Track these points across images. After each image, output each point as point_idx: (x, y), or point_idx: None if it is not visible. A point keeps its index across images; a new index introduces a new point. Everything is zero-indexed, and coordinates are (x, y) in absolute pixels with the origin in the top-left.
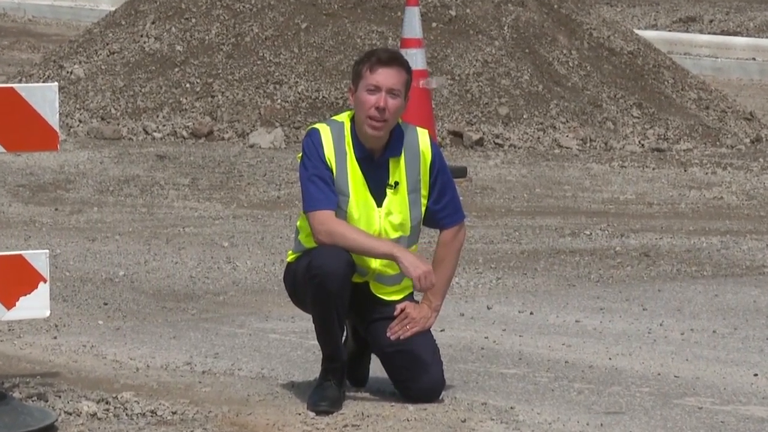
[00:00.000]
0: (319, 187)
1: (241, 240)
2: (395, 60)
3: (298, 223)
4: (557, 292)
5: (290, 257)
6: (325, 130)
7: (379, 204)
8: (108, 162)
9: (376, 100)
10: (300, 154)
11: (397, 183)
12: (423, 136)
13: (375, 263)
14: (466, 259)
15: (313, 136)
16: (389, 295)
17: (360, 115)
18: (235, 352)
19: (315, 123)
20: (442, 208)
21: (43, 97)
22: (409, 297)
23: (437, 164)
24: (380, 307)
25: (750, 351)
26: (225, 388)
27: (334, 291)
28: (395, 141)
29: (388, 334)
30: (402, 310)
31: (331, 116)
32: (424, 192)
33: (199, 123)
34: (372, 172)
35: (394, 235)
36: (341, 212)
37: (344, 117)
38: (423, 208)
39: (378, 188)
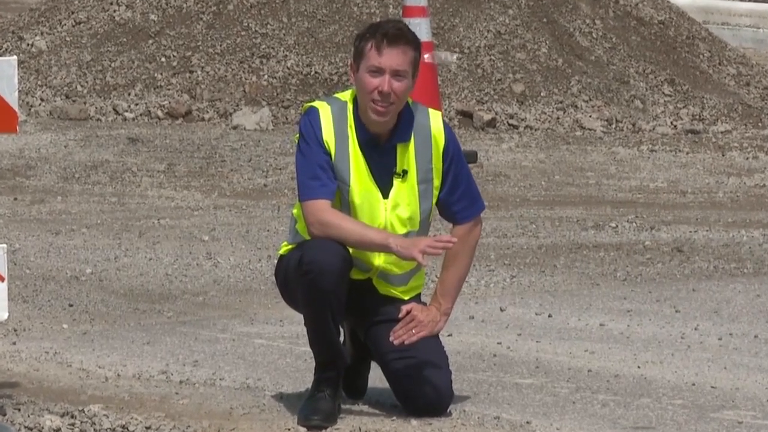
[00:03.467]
0: (315, 173)
1: (223, 233)
2: (402, 37)
3: (294, 210)
4: (579, 292)
5: (284, 249)
6: (324, 109)
7: (385, 195)
8: (73, 145)
9: (380, 84)
10: (296, 135)
11: (405, 171)
12: (435, 119)
13: (378, 260)
14: (476, 255)
15: (311, 116)
16: (396, 293)
17: (362, 98)
18: (216, 359)
19: (311, 101)
20: (456, 200)
21: (0, 73)
22: (417, 298)
23: (451, 150)
24: (383, 307)
25: None
26: (205, 400)
27: (328, 289)
28: (404, 125)
29: (391, 339)
30: (407, 312)
31: (326, 93)
32: (437, 182)
33: (176, 102)
34: (377, 159)
35: (402, 230)
36: (343, 202)
37: (347, 95)
38: (434, 200)
39: (383, 177)
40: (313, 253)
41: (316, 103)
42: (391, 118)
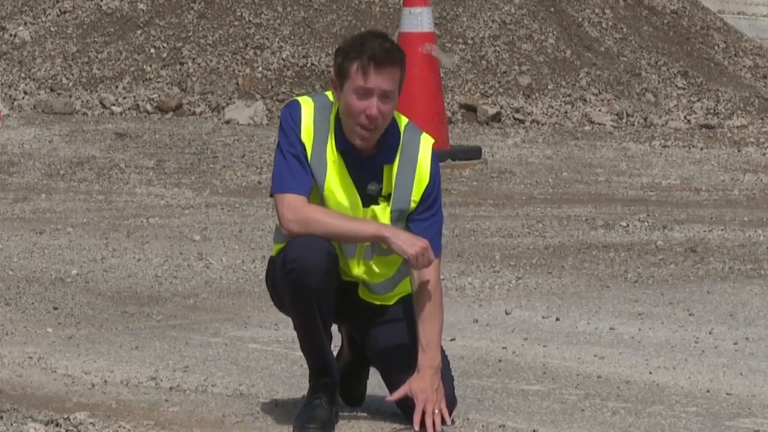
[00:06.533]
0: (292, 167)
1: (215, 233)
2: (390, 59)
3: None
4: (588, 295)
5: (275, 250)
6: (307, 105)
7: (365, 205)
8: (58, 141)
9: (368, 107)
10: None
11: (389, 195)
12: (425, 148)
13: (357, 269)
14: (480, 255)
15: (292, 110)
16: (381, 300)
17: (346, 120)
18: (208, 365)
19: (302, 95)
20: (419, 233)
21: None
22: (407, 298)
23: (431, 186)
24: (377, 309)
25: None
26: (196, 408)
27: (314, 287)
28: (389, 144)
29: None
30: (399, 398)
31: (323, 86)
32: (409, 212)
33: (166, 95)
34: (357, 168)
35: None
36: (323, 202)
37: (333, 97)
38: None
39: (362, 188)
40: (297, 251)
41: (300, 98)
42: (374, 139)
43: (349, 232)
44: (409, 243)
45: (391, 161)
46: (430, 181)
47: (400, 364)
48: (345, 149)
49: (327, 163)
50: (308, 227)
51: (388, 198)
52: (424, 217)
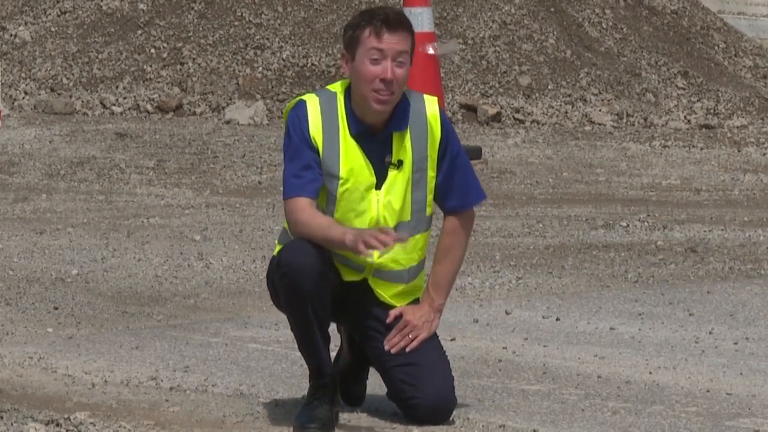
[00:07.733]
0: (297, 171)
1: (215, 233)
2: (403, 22)
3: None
4: (588, 295)
5: (276, 250)
6: (312, 102)
7: (379, 186)
8: (59, 141)
9: (383, 71)
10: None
11: (401, 161)
12: (431, 105)
13: (371, 256)
14: (480, 255)
15: (299, 109)
16: (393, 298)
17: (362, 88)
18: (208, 365)
19: (302, 94)
20: (449, 189)
21: None
22: (415, 303)
23: (445, 137)
24: (380, 310)
25: None
26: (197, 408)
27: (307, 290)
28: (400, 113)
29: (386, 348)
30: (395, 317)
31: (323, 86)
32: (431, 172)
33: (166, 95)
34: (373, 149)
35: (393, 222)
36: (330, 197)
37: (337, 86)
38: (429, 190)
39: (379, 167)
40: (289, 254)
41: (305, 96)
42: (391, 107)
43: (323, 236)
44: (354, 239)
45: (404, 128)
46: (442, 134)
47: (400, 364)
48: (359, 133)
49: (340, 152)
50: (298, 229)
51: (398, 165)
52: (448, 175)
